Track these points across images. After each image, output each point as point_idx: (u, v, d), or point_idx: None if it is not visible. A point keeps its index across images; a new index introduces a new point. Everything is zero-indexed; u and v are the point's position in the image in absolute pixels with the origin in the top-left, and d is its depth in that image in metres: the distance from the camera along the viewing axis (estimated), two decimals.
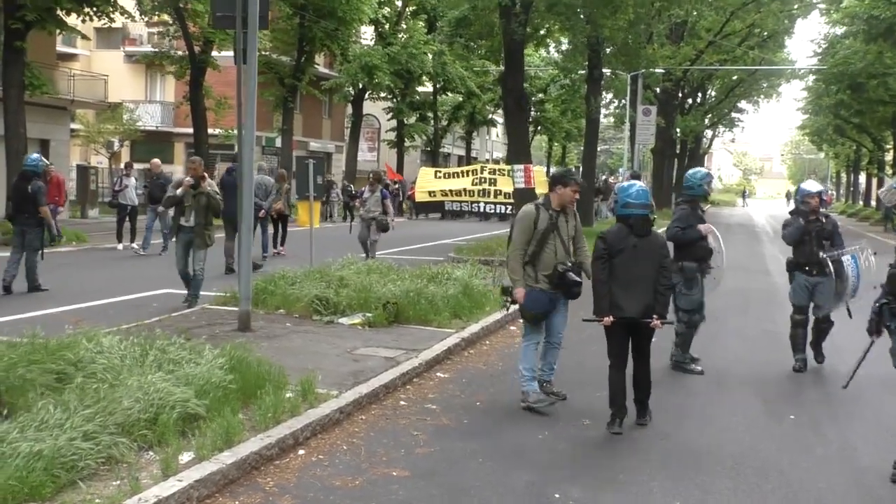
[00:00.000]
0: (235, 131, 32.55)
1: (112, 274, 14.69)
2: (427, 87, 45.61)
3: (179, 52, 30.12)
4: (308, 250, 13.39)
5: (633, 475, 5.43)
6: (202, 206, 10.67)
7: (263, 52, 31.62)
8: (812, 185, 8.85)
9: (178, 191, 10.83)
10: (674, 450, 5.95)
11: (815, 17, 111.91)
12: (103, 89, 33.34)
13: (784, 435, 6.46)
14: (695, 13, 33.20)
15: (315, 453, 5.59)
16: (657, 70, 32.91)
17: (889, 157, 52.06)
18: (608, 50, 26.75)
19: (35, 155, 12.94)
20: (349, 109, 43.11)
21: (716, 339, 9.78)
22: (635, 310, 6.16)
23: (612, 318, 6.19)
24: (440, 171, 27.29)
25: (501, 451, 5.80)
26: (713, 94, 56.43)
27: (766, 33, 43.95)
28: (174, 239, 11.19)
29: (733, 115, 61.53)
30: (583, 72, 29.46)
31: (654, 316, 6.18)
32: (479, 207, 24.29)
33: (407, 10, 41.11)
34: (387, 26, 39.52)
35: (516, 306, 6.92)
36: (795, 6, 40.41)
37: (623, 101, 39.21)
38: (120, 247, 18.27)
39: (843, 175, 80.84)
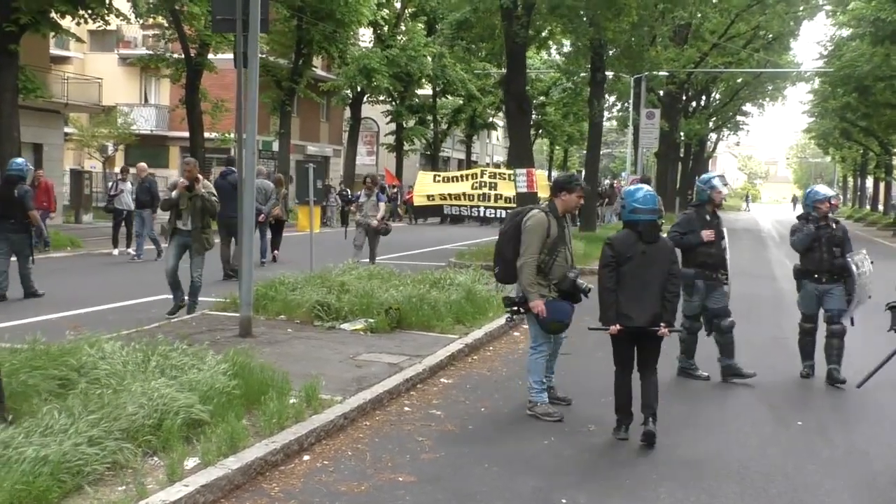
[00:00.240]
0: (231, 135, 32.71)
1: (108, 280, 14.78)
2: (427, 90, 45.76)
3: (175, 55, 30.20)
4: (306, 255, 13.48)
5: (640, 480, 5.51)
6: (198, 209, 10.47)
7: (260, 55, 31.70)
8: (822, 190, 8.70)
9: (173, 193, 10.71)
10: (680, 455, 6.04)
11: (820, 19, 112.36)
12: (97, 93, 33.48)
13: (791, 440, 6.54)
14: (699, 15, 33.27)
15: (320, 459, 5.67)
16: (661, 73, 33.02)
17: None
18: (611, 52, 26.86)
19: (20, 159, 12.99)
20: (347, 113, 43.25)
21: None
22: (643, 319, 6.09)
23: (618, 327, 6.15)
24: (439, 175, 27.39)
25: (507, 456, 5.88)
26: (717, 96, 56.59)
27: (771, 35, 44.08)
28: (168, 242, 10.96)
29: (738, 118, 61.70)
30: (585, 75, 29.58)
31: (662, 324, 6.13)
32: (479, 212, 24.39)
33: (406, 11, 41.27)
34: (386, 28, 39.68)
35: (520, 317, 6.96)
36: (801, 8, 40.54)
37: (626, 104, 39.35)
38: (115, 252, 18.36)
39: (850, 179, 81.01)
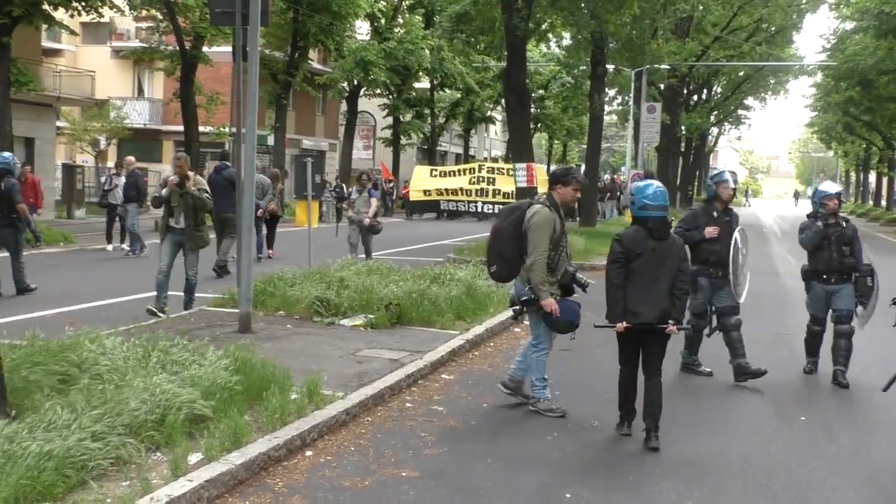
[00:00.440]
0: (226, 129, 32.64)
1: (103, 275, 14.84)
2: (424, 84, 45.81)
3: (169, 48, 30.20)
4: (300, 251, 13.53)
5: (644, 476, 5.59)
6: (190, 207, 10.35)
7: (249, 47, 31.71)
8: (830, 186, 8.63)
9: (164, 191, 10.54)
10: (684, 451, 6.11)
11: (823, 12, 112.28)
12: (90, 86, 33.45)
13: (795, 436, 6.63)
14: (701, 8, 33.40)
15: (323, 454, 5.74)
16: (662, 66, 33.08)
17: None
18: (612, 45, 26.94)
19: (7, 154, 13.01)
20: (343, 106, 43.29)
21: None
22: (652, 315, 6.08)
23: (626, 324, 6.15)
24: (436, 170, 27.38)
25: (510, 452, 5.96)
26: (719, 90, 56.76)
27: (773, 28, 44.23)
28: (161, 240, 10.70)
29: (740, 112, 61.90)
30: (585, 68, 29.66)
31: (671, 322, 6.12)
32: (476, 207, 24.40)
33: (403, 4, 41.31)
34: (383, 21, 39.70)
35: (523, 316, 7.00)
36: (804, 1, 40.68)
37: (627, 97, 39.41)
38: (109, 248, 18.41)
39: (853, 174, 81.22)
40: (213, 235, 12.68)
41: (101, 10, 22.56)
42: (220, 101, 29.61)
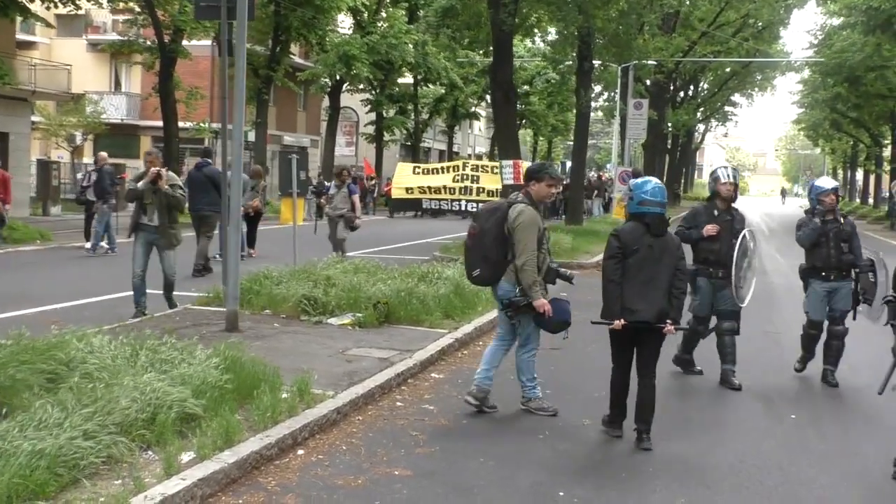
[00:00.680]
0: (206, 125, 32.41)
1: (83, 273, 14.81)
2: (408, 79, 45.81)
3: (148, 41, 30.07)
4: (284, 249, 13.55)
5: (637, 473, 5.70)
6: (164, 205, 10.17)
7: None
8: (826, 182, 8.58)
9: (139, 184, 10.24)
10: (676, 448, 6.23)
11: (811, 8, 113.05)
12: (66, 80, 33.22)
13: (786, 434, 6.77)
14: (688, 2, 33.67)
15: (315, 453, 5.82)
16: (649, 62, 33.32)
17: (887, 152, 52.86)
18: (599, 41, 27.10)
19: None
20: (326, 102, 43.26)
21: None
22: (649, 314, 6.07)
23: (623, 322, 6.12)
24: (419, 167, 27.45)
25: (502, 451, 6.05)
26: (706, 86, 57.16)
27: (760, 24, 44.55)
28: (132, 237, 10.45)
29: (726, 108, 62.34)
30: (571, 63, 29.80)
31: (668, 321, 6.14)
32: (459, 206, 24.50)
33: None
34: (366, 15, 39.68)
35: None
36: None
37: (613, 93, 39.62)
38: (87, 245, 18.33)
39: (840, 171, 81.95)
40: (191, 233, 12.68)
41: (77, 1, 22.46)
42: (199, 94, 29.50)
